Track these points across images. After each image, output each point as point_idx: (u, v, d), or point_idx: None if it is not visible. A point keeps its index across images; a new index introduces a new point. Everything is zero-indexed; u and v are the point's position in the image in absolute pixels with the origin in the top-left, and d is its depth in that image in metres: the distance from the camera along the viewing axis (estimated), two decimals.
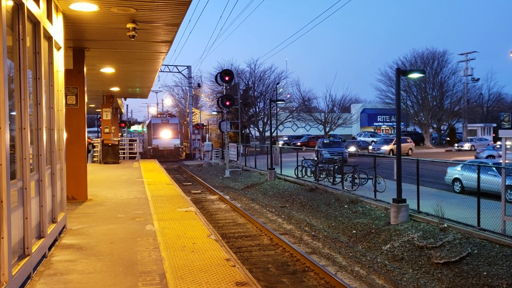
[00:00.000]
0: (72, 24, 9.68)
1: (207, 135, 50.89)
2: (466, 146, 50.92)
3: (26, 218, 5.89)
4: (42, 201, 6.91)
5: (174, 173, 33.21)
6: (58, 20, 8.60)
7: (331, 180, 21.11)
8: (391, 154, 38.13)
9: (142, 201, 12.06)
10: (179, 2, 8.24)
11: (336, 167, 21.50)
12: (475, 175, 13.15)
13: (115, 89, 22.92)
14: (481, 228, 11.94)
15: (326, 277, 10.16)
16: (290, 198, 20.33)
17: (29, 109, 6.27)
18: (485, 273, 10.01)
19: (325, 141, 36.90)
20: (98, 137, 36.56)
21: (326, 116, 58.60)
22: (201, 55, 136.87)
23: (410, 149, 44.23)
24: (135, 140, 32.89)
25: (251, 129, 56.04)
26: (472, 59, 59.73)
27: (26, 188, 5.86)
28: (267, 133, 48.75)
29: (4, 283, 4.76)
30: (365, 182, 19.49)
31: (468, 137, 56.97)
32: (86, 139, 13.47)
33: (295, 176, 24.05)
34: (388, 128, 76.11)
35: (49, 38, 7.90)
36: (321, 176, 22.14)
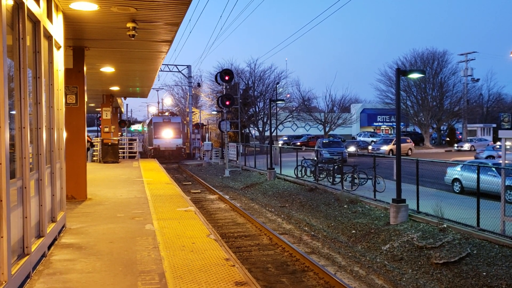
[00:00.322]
0: (72, 23, 9.68)
1: (207, 135, 50.86)
2: (466, 146, 50.93)
3: (26, 217, 5.89)
4: (41, 200, 6.90)
5: (174, 172, 33.20)
6: (58, 19, 8.60)
7: (331, 180, 21.11)
8: (390, 154, 38.13)
9: (142, 201, 12.06)
10: (179, 2, 8.24)
11: (335, 167, 21.50)
12: (474, 176, 13.16)
13: (115, 88, 22.91)
14: (481, 229, 11.95)
15: (326, 277, 10.16)
16: (290, 198, 20.33)
17: (29, 108, 6.27)
18: (484, 273, 10.02)
19: (325, 141, 36.91)
20: (97, 136, 36.52)
21: (326, 116, 58.60)
22: (201, 55, 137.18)
23: (410, 149, 44.24)
24: (135, 140, 32.88)
25: (250, 128, 56.06)
26: (472, 59, 59.75)
27: (25, 187, 5.86)
28: (267, 133, 48.72)
29: (4, 282, 4.76)
30: (364, 182, 19.50)
31: (468, 138, 56.98)
32: (86, 138, 13.47)
33: (295, 176, 24.05)
34: (387, 128, 76.10)
35: (49, 37, 7.90)
36: (321, 176, 22.14)
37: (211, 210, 18.62)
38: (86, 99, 12.65)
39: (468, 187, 17.21)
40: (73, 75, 12.11)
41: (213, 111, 54.87)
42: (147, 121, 57.03)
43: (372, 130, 72.57)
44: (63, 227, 8.62)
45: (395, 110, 15.39)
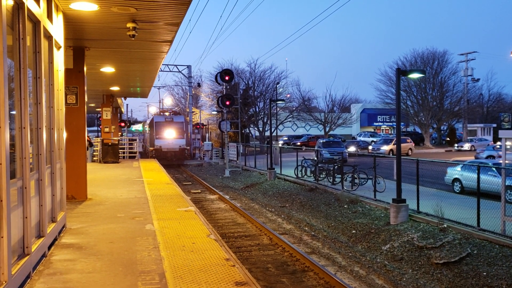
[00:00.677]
0: (72, 24, 9.68)
1: (207, 135, 50.88)
2: (466, 146, 50.93)
3: (26, 217, 5.89)
4: (41, 200, 6.90)
5: (174, 172, 33.19)
6: (58, 19, 8.60)
7: (331, 180, 21.11)
8: (391, 154, 38.13)
9: (142, 201, 12.06)
10: (179, 2, 8.24)
11: (336, 167, 21.51)
12: (475, 176, 13.15)
13: (115, 88, 22.91)
14: (481, 229, 11.95)
15: (326, 277, 10.16)
16: (290, 198, 20.33)
17: (29, 108, 6.27)
18: (484, 273, 10.02)
19: (325, 141, 36.91)
20: (98, 136, 36.51)
21: (326, 116, 58.62)
22: (201, 55, 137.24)
23: (410, 149, 44.24)
24: (135, 140, 32.87)
25: (251, 128, 56.07)
26: (472, 59, 59.74)
27: (26, 187, 5.86)
28: (267, 133, 48.70)
29: (4, 282, 4.76)
30: (365, 182, 19.50)
31: (468, 137, 56.98)
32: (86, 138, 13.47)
33: (295, 176, 24.05)
34: (388, 128, 76.09)
35: (49, 37, 7.90)
36: (321, 176, 22.14)
37: (211, 210, 18.62)
38: (86, 99, 12.65)
39: (468, 187, 17.20)
40: (73, 75, 12.10)
41: (213, 111, 54.87)
42: (148, 121, 55.32)
43: (372, 130, 72.56)
44: (63, 227, 8.62)
45: (395, 110, 15.40)
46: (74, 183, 11.93)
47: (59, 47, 8.82)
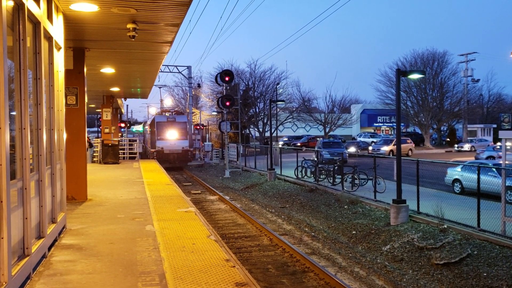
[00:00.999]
0: (73, 24, 9.69)
1: (207, 136, 50.86)
2: (466, 147, 50.95)
3: (26, 218, 5.89)
4: (42, 201, 6.90)
5: (174, 173, 33.19)
6: (58, 20, 8.60)
7: (331, 181, 21.11)
8: (391, 155, 38.14)
9: (142, 202, 12.06)
10: (179, 3, 8.24)
11: (336, 167, 21.52)
12: (475, 176, 13.15)
13: (115, 89, 22.92)
14: (481, 229, 11.94)
15: (326, 277, 10.16)
16: (290, 198, 20.33)
17: (29, 109, 6.27)
18: (485, 274, 10.01)
19: (325, 142, 36.92)
20: (98, 137, 36.51)
21: (326, 116, 58.64)
22: (201, 56, 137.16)
23: (410, 149, 44.25)
24: (135, 140, 32.86)
25: (251, 129, 56.08)
26: (472, 60, 59.80)
27: (26, 188, 5.86)
28: (267, 134, 48.70)
29: (4, 283, 4.76)
30: (365, 182, 19.50)
31: (468, 138, 57.00)
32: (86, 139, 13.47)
33: (295, 177, 24.06)
34: (388, 128, 76.10)
35: (49, 38, 7.90)
36: (321, 176, 22.14)
37: (211, 211, 18.62)
38: (86, 100, 12.66)
39: (469, 188, 17.20)
40: (74, 76, 12.11)
41: (213, 111, 54.91)
42: (149, 121, 53.64)
43: (372, 131, 72.57)
44: (63, 228, 8.62)
45: (396, 111, 15.40)
46: (74, 184, 11.93)
47: (59, 48, 8.83)
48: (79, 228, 8.95)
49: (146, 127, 55.00)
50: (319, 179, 22.05)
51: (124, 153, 29.90)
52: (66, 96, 10.65)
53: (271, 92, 53.26)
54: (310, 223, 16.32)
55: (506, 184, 12.37)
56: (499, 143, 35.84)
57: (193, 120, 53.62)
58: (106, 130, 25.69)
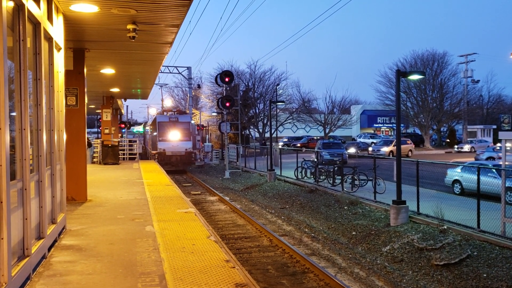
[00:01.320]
0: (73, 25, 9.69)
1: (207, 136, 50.84)
2: (466, 147, 50.96)
3: (26, 219, 5.89)
4: (42, 202, 6.90)
5: (174, 174, 33.20)
6: (58, 21, 8.61)
7: (331, 182, 21.11)
8: (391, 156, 38.14)
9: (142, 202, 12.06)
10: (179, 3, 8.25)
11: (336, 168, 21.52)
12: (475, 177, 13.15)
13: (115, 90, 22.93)
14: (481, 230, 11.94)
15: (326, 278, 10.16)
16: (290, 199, 20.32)
17: (29, 110, 6.27)
18: (485, 275, 10.01)
19: (325, 142, 36.94)
20: (98, 137, 36.48)
21: (326, 117, 58.68)
22: (201, 56, 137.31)
23: (410, 150, 44.25)
24: (135, 141, 32.86)
25: (251, 130, 56.11)
26: (472, 60, 59.84)
27: (26, 189, 5.86)
28: (267, 134, 48.70)
29: (4, 284, 4.76)
30: (365, 183, 19.51)
31: (468, 139, 57.02)
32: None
33: (295, 177, 24.06)
34: (388, 129, 76.12)
35: (49, 39, 7.90)
36: (321, 177, 22.15)
37: (211, 211, 18.62)
38: (86, 101, 12.66)
39: (469, 189, 17.20)
40: (74, 76, 12.11)
41: (213, 112, 54.92)
42: (150, 121, 52.25)
43: (372, 132, 72.59)
44: (63, 228, 8.62)
45: (395, 112, 15.41)
46: (74, 184, 11.93)
47: (59, 49, 8.83)
48: (79, 228, 8.94)
49: (147, 127, 52.84)
50: (319, 180, 22.05)
51: (124, 154, 29.90)
52: (66, 96, 10.65)
53: (271, 93, 53.32)
54: (310, 224, 16.32)
55: (506, 185, 12.37)
56: (499, 144, 35.84)
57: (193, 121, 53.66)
58: (106, 131, 25.70)
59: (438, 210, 13.27)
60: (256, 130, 54.66)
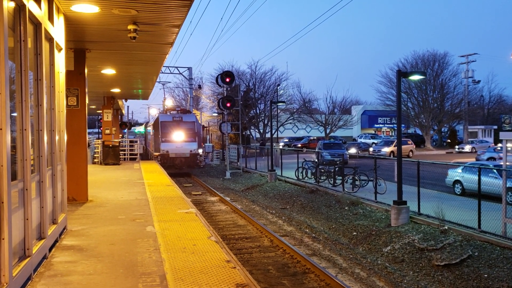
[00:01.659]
0: (73, 26, 9.70)
1: (208, 137, 50.82)
2: (467, 148, 50.91)
3: (27, 219, 5.90)
4: (42, 202, 6.91)
5: (177, 177, 33.18)
6: (59, 21, 8.61)
7: (332, 182, 21.10)
8: (391, 156, 38.12)
9: (143, 203, 12.06)
10: (180, 4, 8.25)
11: (336, 168, 21.51)
12: (475, 177, 13.14)
13: (116, 90, 22.93)
14: (482, 230, 11.94)
15: (327, 279, 10.16)
16: (291, 199, 20.32)
17: (30, 110, 6.27)
18: (485, 275, 10.00)
19: (326, 143, 36.92)
20: (99, 138, 36.49)
21: (327, 117, 58.66)
22: (202, 57, 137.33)
23: (411, 151, 44.23)
24: (136, 141, 32.84)
25: (251, 130, 56.10)
26: (473, 61, 59.80)
27: (27, 189, 5.87)
28: (268, 135, 48.69)
29: (5, 284, 4.76)
30: (365, 184, 19.50)
31: (469, 139, 56.98)
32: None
33: (296, 178, 24.05)
34: (388, 130, 76.12)
35: (50, 39, 7.91)
36: (322, 177, 22.14)
37: (212, 212, 18.62)
38: (87, 101, 12.66)
39: (469, 189, 17.19)
40: (74, 77, 12.12)
41: (214, 113, 54.93)
42: (152, 121, 50.41)
43: (373, 132, 72.61)
44: (64, 229, 8.63)
45: (396, 112, 15.40)
46: (75, 185, 11.94)
47: (60, 49, 8.84)
48: (79, 229, 8.95)
49: (149, 128, 50.93)
50: (320, 180, 22.04)
51: (124, 154, 29.91)
52: (67, 97, 10.67)
53: (271, 93, 53.29)
54: (311, 224, 16.31)
55: (507, 185, 12.36)
56: (500, 144, 35.86)
57: None
58: (107, 131, 25.71)
59: (439, 210, 13.26)
60: (256, 130, 54.66)
